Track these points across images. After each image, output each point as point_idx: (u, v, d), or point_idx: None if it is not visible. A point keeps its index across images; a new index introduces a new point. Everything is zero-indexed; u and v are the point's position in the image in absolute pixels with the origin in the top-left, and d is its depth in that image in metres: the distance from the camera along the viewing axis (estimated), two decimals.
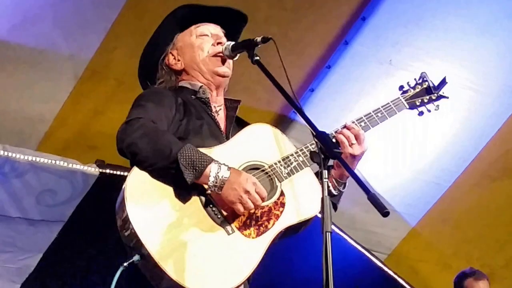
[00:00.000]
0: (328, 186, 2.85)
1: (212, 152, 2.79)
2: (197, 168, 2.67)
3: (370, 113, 3.09)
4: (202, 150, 2.74)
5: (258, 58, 2.86)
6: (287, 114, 5.37)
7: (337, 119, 5.25)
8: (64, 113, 4.90)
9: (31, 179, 5.05)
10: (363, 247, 5.83)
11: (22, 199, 5.13)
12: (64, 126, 4.97)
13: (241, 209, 2.70)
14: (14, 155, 4.92)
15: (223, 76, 3.10)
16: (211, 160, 2.70)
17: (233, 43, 3.03)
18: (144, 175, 2.72)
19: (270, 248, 2.79)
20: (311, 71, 5.16)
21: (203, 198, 2.74)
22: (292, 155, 2.91)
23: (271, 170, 2.86)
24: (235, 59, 3.10)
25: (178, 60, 3.14)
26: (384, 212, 2.33)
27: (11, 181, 5.03)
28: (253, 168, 2.85)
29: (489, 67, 5.13)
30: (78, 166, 5.08)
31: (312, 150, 2.92)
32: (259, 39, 2.86)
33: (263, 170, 2.86)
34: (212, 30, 3.15)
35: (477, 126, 5.39)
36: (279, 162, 2.88)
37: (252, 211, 2.75)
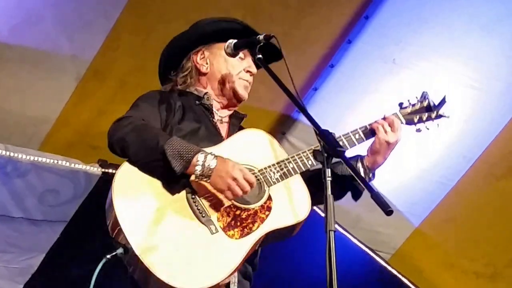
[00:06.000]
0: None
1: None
2: (184, 158, 2.71)
3: (366, 126, 3.15)
4: None
5: (260, 56, 2.88)
6: (290, 113, 5.37)
7: (340, 118, 5.24)
8: (66, 113, 4.89)
9: (34, 179, 5.05)
10: (366, 247, 5.80)
11: (25, 199, 5.13)
12: (66, 126, 4.96)
13: (230, 196, 2.74)
14: (16, 155, 4.92)
15: (239, 99, 3.20)
16: (198, 149, 2.75)
17: (235, 41, 3.03)
18: (133, 170, 2.79)
19: (253, 250, 2.82)
20: (314, 70, 5.14)
21: (189, 196, 2.79)
22: (282, 161, 2.96)
23: (261, 174, 2.90)
24: (237, 56, 3.13)
25: (206, 63, 3.22)
26: (388, 211, 2.34)
27: (14, 181, 5.03)
28: None
29: (493, 66, 5.10)
30: (80, 166, 5.08)
31: (306, 155, 2.98)
32: (261, 37, 2.88)
33: (252, 174, 2.88)
34: (248, 58, 3.23)
35: (481, 124, 5.35)
36: (269, 167, 2.93)
37: (238, 208, 2.78)
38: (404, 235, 5.75)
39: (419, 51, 5.02)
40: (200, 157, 2.72)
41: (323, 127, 2.77)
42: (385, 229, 5.70)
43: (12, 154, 4.89)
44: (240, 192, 2.73)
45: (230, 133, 3.16)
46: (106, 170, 5.10)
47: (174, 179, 2.75)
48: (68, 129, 4.98)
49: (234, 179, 2.71)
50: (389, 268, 5.84)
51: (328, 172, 2.50)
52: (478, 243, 5.63)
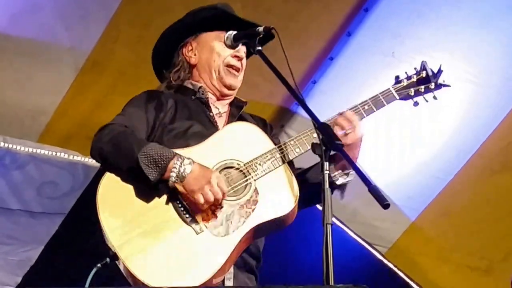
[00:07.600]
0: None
1: (192, 151, 2.82)
2: (160, 165, 2.69)
3: (357, 105, 3.06)
4: (179, 150, 2.78)
5: (260, 48, 2.87)
6: (289, 106, 5.34)
7: (339, 111, 5.21)
8: (65, 104, 4.88)
9: (32, 171, 5.05)
10: (363, 240, 5.81)
11: (23, 191, 5.12)
12: (65, 117, 4.95)
13: (201, 200, 2.70)
14: (14, 146, 4.92)
15: (229, 88, 3.15)
16: (173, 155, 2.73)
17: (235, 32, 3.02)
18: (115, 179, 2.79)
19: (244, 245, 2.79)
20: (313, 63, 5.11)
21: (172, 197, 2.76)
22: (269, 152, 2.90)
23: (247, 168, 2.85)
24: (237, 49, 3.11)
25: (195, 55, 3.20)
26: (385, 205, 2.34)
27: (12, 173, 5.03)
28: (229, 167, 2.86)
29: (491, 60, 5.09)
30: (79, 158, 5.08)
31: (294, 143, 2.96)
32: (261, 29, 2.87)
33: (238, 168, 2.85)
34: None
35: (479, 119, 5.34)
36: (255, 159, 2.87)
37: (210, 204, 2.73)
38: (401, 229, 5.74)
39: (417, 45, 5.00)
40: (175, 163, 2.69)
41: (321, 120, 2.78)
42: (381, 223, 5.70)
43: (10, 146, 4.90)
44: (211, 198, 2.69)
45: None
46: None
47: (155, 185, 2.74)
48: (66, 121, 4.96)
49: (208, 183, 2.68)
50: (386, 261, 5.84)
51: (326, 165, 2.48)
52: (473, 237, 5.64)
